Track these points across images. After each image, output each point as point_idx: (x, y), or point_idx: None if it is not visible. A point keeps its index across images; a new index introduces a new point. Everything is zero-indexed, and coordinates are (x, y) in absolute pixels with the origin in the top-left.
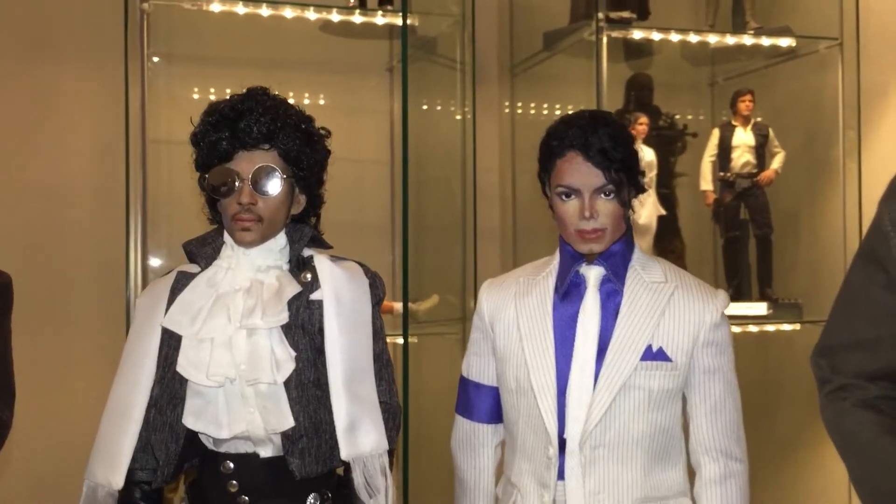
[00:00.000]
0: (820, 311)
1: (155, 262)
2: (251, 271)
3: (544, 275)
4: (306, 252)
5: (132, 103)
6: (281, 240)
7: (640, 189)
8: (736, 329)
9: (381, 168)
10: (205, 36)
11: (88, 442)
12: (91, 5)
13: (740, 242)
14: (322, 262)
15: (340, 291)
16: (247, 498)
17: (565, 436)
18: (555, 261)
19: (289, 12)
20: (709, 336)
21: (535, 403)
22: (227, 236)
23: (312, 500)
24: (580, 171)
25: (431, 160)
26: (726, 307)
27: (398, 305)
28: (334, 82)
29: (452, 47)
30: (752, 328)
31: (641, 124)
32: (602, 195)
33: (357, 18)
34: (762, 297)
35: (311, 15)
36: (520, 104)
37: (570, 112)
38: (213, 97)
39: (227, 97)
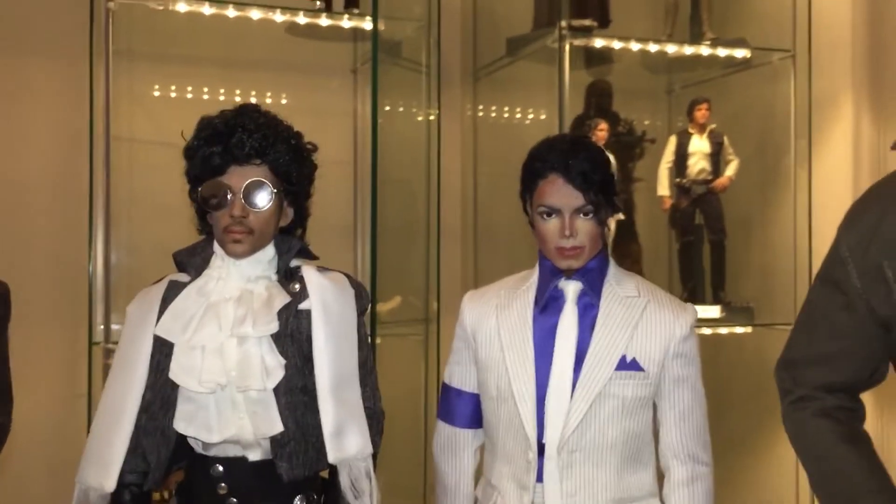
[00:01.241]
0: (770, 314)
1: (115, 259)
2: (241, 281)
3: (524, 288)
4: (293, 263)
5: (96, 100)
6: (269, 251)
7: (616, 209)
8: None
9: (344, 168)
10: (168, 35)
11: (48, 439)
12: (56, 2)
13: (695, 247)
14: (310, 273)
15: (328, 301)
16: (235, 500)
17: (544, 440)
18: (534, 275)
19: (255, 13)
20: (678, 348)
21: (515, 410)
22: (216, 247)
23: (299, 501)
24: (561, 193)
25: (394, 161)
26: (695, 321)
27: None
28: (298, 83)
29: (417, 50)
30: (706, 331)
31: (601, 130)
32: (581, 215)
33: (324, 21)
34: (715, 301)
35: (278, 17)
36: (482, 107)
37: (546, 135)
38: (173, 95)
39: (219, 112)
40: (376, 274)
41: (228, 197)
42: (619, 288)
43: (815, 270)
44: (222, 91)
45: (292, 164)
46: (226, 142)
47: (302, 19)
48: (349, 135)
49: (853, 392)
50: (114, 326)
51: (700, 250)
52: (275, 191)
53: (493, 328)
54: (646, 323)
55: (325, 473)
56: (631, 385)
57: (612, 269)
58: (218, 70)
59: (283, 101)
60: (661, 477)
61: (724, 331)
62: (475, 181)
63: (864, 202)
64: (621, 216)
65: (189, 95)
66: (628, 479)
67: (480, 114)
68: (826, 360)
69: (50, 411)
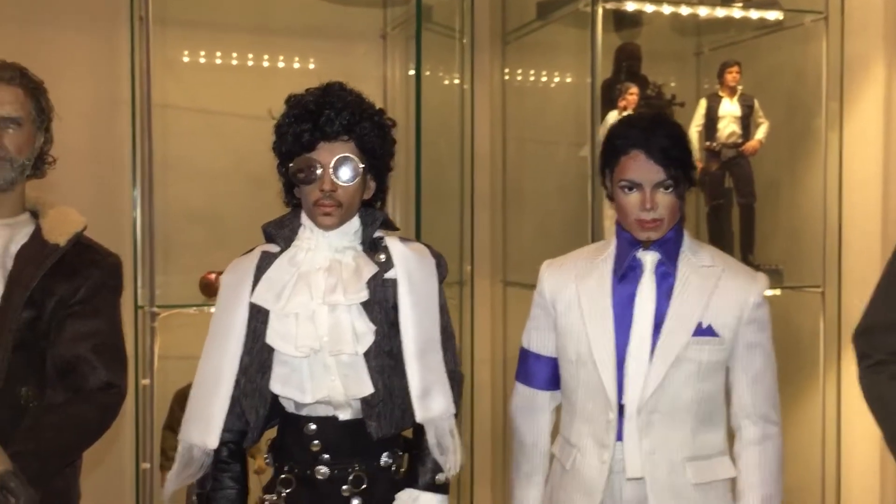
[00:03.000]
0: (799, 276)
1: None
2: (330, 252)
3: (603, 258)
4: (377, 234)
5: (127, 68)
6: (355, 223)
7: (693, 183)
8: None
9: None
10: (196, 0)
11: None
12: None
13: (724, 210)
14: (394, 244)
15: (412, 271)
16: (327, 456)
17: (623, 402)
18: (611, 246)
19: None
20: (751, 314)
21: (595, 373)
22: (305, 219)
23: (386, 457)
24: (642, 168)
25: (426, 126)
26: (766, 288)
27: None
28: (326, 48)
29: (448, 16)
30: None
31: (632, 94)
32: (661, 189)
33: None
34: (745, 263)
35: None
36: (508, 71)
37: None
38: (202, 61)
39: (306, 90)
40: (421, 238)
41: (318, 172)
42: (695, 258)
43: (844, 233)
44: (251, 56)
45: (376, 139)
46: (315, 120)
47: None
48: (379, 100)
49: None
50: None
51: (729, 213)
52: (361, 166)
53: (573, 296)
54: (720, 291)
55: (407, 432)
56: (707, 350)
57: (688, 240)
58: (246, 35)
59: (311, 66)
60: (730, 436)
61: None
62: (504, 145)
63: None
64: None
65: (218, 61)
66: (702, 438)
67: (507, 77)
68: None
69: None
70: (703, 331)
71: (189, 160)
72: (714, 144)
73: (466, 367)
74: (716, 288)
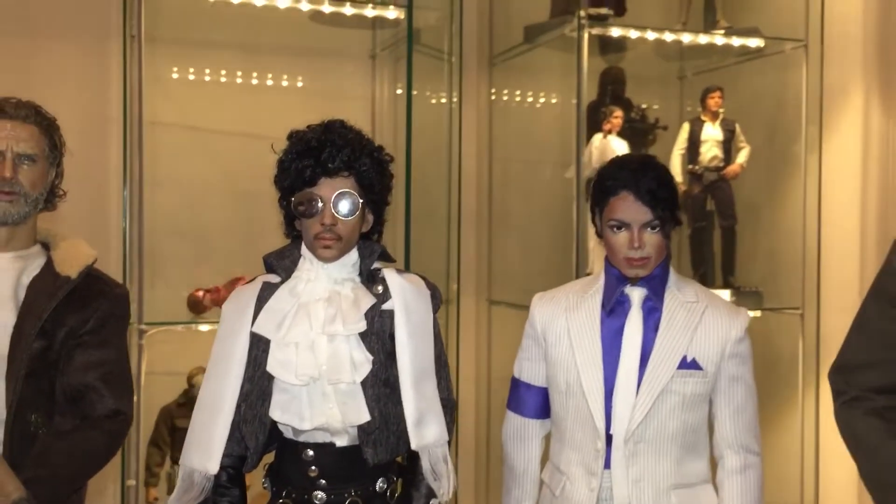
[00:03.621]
0: (778, 299)
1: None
2: (329, 283)
3: (591, 293)
4: (374, 265)
5: (117, 85)
6: (354, 255)
7: (678, 223)
8: None
9: None
10: (186, 18)
11: None
12: None
13: (706, 233)
14: (392, 276)
15: (408, 302)
16: (324, 481)
17: (611, 431)
18: (599, 281)
19: (282, 1)
20: (734, 349)
21: (584, 403)
22: (305, 251)
23: (382, 483)
24: (631, 209)
25: (414, 146)
26: (748, 323)
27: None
28: (315, 67)
29: (436, 37)
30: None
31: (616, 117)
32: (649, 229)
33: (348, 10)
34: (725, 286)
35: (304, 6)
36: (495, 92)
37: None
38: (192, 78)
39: (307, 127)
40: (409, 258)
41: (319, 206)
42: (680, 294)
43: (823, 255)
44: (240, 74)
45: (375, 175)
46: (317, 156)
47: (327, 8)
48: (367, 119)
49: None
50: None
51: (711, 236)
52: (360, 201)
53: (562, 328)
54: (704, 326)
55: (399, 458)
56: (691, 383)
57: (673, 276)
58: (236, 53)
59: (300, 85)
60: (713, 465)
61: None
62: (490, 166)
63: None
64: None
65: (207, 78)
66: (686, 467)
67: (494, 98)
68: (878, 365)
69: None
70: (688, 364)
71: (177, 176)
72: (696, 168)
73: (453, 385)
74: (700, 323)
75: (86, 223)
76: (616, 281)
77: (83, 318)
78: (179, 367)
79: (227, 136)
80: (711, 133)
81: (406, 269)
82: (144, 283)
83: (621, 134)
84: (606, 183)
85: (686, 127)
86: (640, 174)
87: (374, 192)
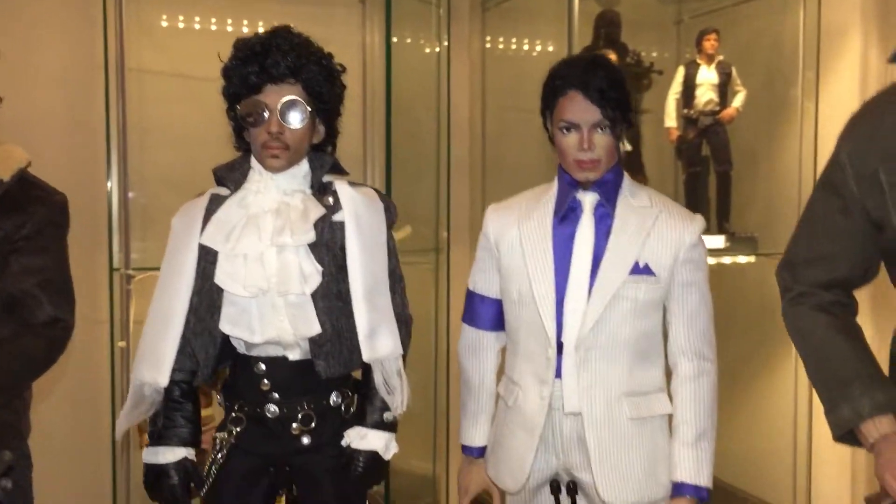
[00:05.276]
0: (774, 244)
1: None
2: (278, 194)
3: (544, 200)
4: (326, 178)
5: (108, 32)
6: (304, 166)
7: (631, 124)
8: None
9: (353, 100)
10: None
11: (71, 365)
12: None
13: (701, 178)
14: (342, 188)
15: (360, 214)
16: (277, 395)
17: (562, 339)
18: (553, 188)
19: None
20: (687, 254)
21: (536, 312)
22: (254, 162)
23: (335, 397)
24: (580, 108)
25: (403, 94)
26: (703, 229)
27: None
28: (305, 13)
29: None
30: (710, 260)
31: None
32: (598, 129)
33: None
34: (720, 231)
35: None
36: (489, 39)
37: (571, 55)
38: (181, 26)
39: (254, 34)
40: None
41: (265, 115)
42: (633, 199)
43: None
44: (229, 21)
45: (324, 83)
46: (262, 61)
47: None
48: (358, 66)
49: (848, 288)
50: (132, 255)
51: (706, 181)
52: (309, 109)
53: (515, 238)
54: (658, 231)
55: (358, 375)
56: (643, 288)
57: (627, 182)
58: (226, 0)
59: None
60: (668, 374)
61: (727, 260)
62: (483, 114)
63: (864, 112)
64: (629, 147)
65: (197, 26)
66: (639, 375)
67: (488, 46)
68: (824, 259)
69: (73, 337)
70: (640, 269)
71: (167, 125)
72: (691, 112)
73: (443, 333)
74: (653, 228)
75: (73, 170)
76: (568, 186)
77: (18, 224)
78: None
79: (216, 83)
80: (707, 76)
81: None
82: (134, 233)
83: None
84: (555, 82)
85: (681, 70)
86: (589, 73)
87: (324, 101)
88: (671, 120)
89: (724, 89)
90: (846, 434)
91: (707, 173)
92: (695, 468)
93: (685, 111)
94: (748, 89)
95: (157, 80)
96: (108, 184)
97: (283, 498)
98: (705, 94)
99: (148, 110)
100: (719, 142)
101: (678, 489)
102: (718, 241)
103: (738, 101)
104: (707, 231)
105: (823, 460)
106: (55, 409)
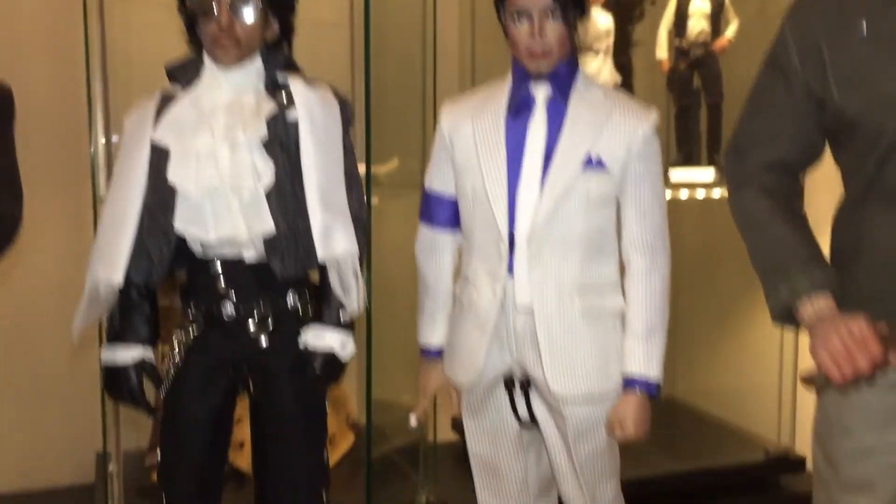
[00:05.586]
0: None
1: (114, 119)
2: (231, 91)
3: (498, 95)
4: (281, 75)
5: None
6: (257, 62)
7: (583, 11)
8: (683, 195)
9: (340, 30)
10: None
11: (57, 296)
12: None
13: (692, 111)
14: (296, 85)
15: (314, 111)
16: (234, 296)
17: (514, 234)
18: (507, 82)
19: None
20: (641, 148)
21: (488, 207)
22: (206, 59)
23: (291, 299)
24: None
25: (389, 24)
26: (657, 123)
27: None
28: None
29: None
30: (700, 194)
31: None
32: (550, 16)
33: None
34: (710, 163)
35: None
36: None
37: None
38: None
39: None
40: (370, 137)
41: (214, 6)
42: (587, 92)
43: None
44: None
45: None
46: None
47: None
48: None
49: (792, 171)
50: None
51: (697, 114)
52: (260, 4)
53: (468, 133)
54: (611, 124)
55: (315, 278)
56: (595, 182)
57: (581, 76)
58: None
59: None
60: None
61: (717, 194)
62: (473, 46)
63: None
64: (619, 79)
65: None
66: (592, 270)
67: None
68: (766, 139)
69: (58, 269)
70: (592, 163)
71: (152, 54)
72: (683, 43)
73: (363, 201)
74: (607, 121)
75: (54, 99)
76: (521, 79)
77: None
78: None
79: None
80: (699, 5)
81: (369, 148)
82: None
83: (606, 8)
84: None
85: (673, 0)
86: None
87: None
88: (662, 52)
89: (717, 18)
90: (784, 314)
91: (698, 106)
92: (644, 361)
93: (676, 42)
94: (741, 19)
95: (142, 9)
96: (90, 112)
97: (243, 399)
98: (697, 23)
99: (133, 40)
100: (711, 73)
101: (628, 383)
102: (708, 173)
103: (730, 31)
104: (697, 164)
105: (808, 394)
106: (45, 339)
